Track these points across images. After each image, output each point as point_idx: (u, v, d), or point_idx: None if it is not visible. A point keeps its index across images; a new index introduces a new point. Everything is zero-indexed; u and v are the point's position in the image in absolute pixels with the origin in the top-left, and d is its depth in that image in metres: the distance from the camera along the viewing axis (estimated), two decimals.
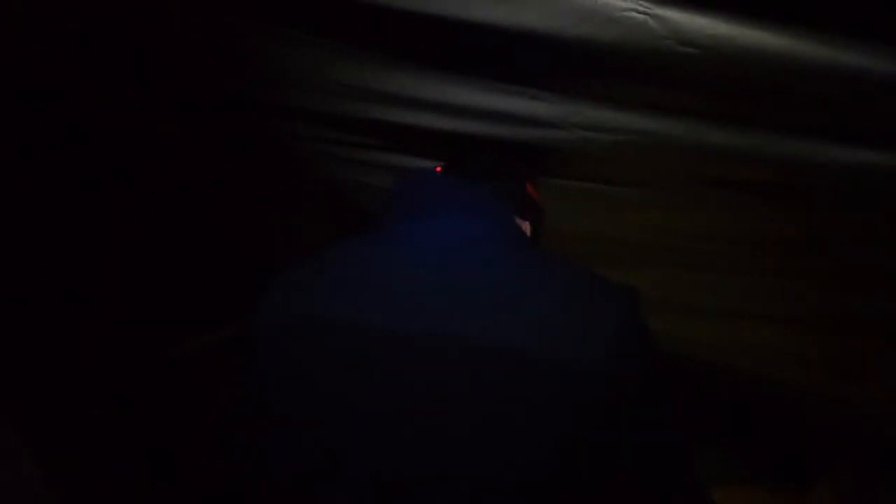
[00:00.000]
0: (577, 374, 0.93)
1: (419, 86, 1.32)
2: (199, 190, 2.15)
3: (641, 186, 1.45)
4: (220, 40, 1.37)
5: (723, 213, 1.51)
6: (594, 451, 0.93)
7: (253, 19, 1.29)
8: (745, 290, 1.76)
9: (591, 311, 0.97)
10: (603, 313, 0.97)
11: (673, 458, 1.02)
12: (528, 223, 1.25)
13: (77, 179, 2.09)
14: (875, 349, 1.91)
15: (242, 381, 1.05)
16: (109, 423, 2.12)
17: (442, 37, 1.18)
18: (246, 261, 2.27)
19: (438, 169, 1.28)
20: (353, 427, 0.95)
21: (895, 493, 2.33)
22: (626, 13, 1.06)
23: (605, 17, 1.08)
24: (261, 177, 1.96)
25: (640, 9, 1.06)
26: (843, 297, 1.73)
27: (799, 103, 1.14)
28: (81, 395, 2.09)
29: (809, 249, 1.55)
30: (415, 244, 1.07)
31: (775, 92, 1.12)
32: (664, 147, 1.29)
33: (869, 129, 1.18)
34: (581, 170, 1.44)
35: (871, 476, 2.37)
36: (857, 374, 2.02)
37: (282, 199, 2.04)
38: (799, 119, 1.19)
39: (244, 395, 1.04)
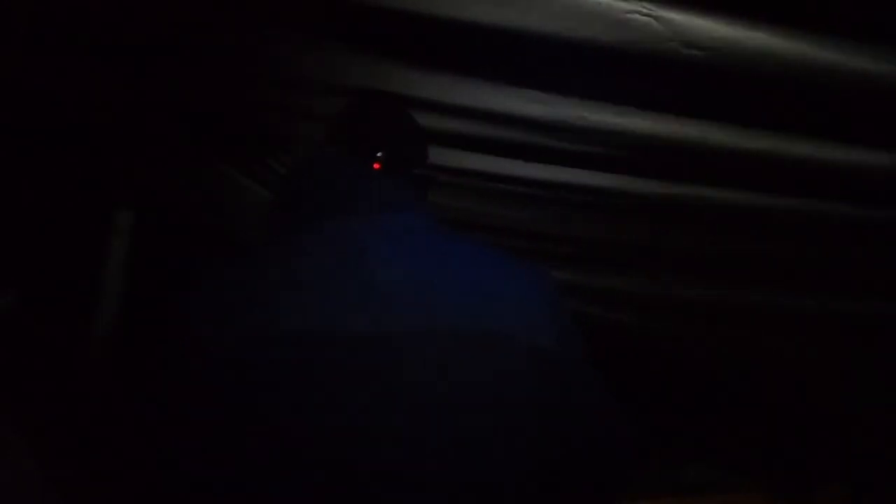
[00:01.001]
0: (539, 349, 0.99)
1: (423, 87, 1.32)
2: (197, 188, 2.15)
3: (643, 189, 1.45)
4: (220, 41, 1.37)
5: (723, 211, 1.51)
6: (551, 414, 0.99)
7: (254, 20, 1.28)
8: (749, 293, 1.76)
9: (528, 290, 1.03)
10: (538, 291, 1.04)
11: (608, 413, 1.08)
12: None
13: (76, 180, 2.08)
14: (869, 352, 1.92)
15: (185, 406, 0.99)
16: (108, 423, 2.12)
17: (446, 39, 1.18)
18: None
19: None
20: (348, 437, 0.93)
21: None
22: (629, 15, 1.06)
23: (609, 20, 1.07)
24: (259, 174, 1.96)
25: (644, 11, 1.06)
26: (845, 301, 1.74)
27: (803, 105, 1.14)
28: (81, 394, 2.09)
29: (812, 254, 1.55)
30: (351, 244, 1.04)
31: (780, 94, 1.12)
32: (667, 149, 1.29)
33: (872, 131, 1.18)
34: (585, 171, 1.44)
35: (872, 485, 2.37)
36: (856, 377, 2.02)
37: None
38: (803, 121, 1.19)
39: (189, 418, 0.99)
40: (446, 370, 0.95)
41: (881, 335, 1.88)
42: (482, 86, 1.28)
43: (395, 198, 1.10)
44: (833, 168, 1.22)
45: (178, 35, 1.38)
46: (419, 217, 1.10)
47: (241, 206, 2.14)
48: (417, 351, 0.96)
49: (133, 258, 2.26)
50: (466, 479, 0.93)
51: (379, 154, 1.15)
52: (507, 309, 1.00)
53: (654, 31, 1.06)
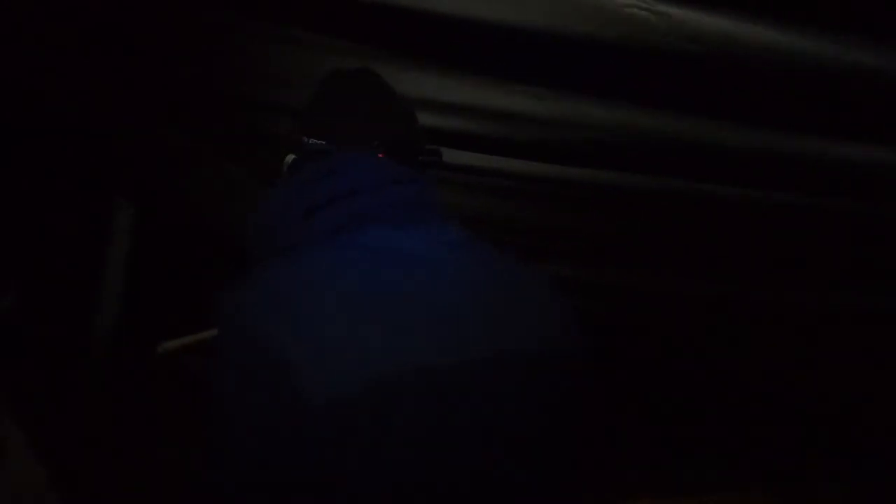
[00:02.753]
0: (574, 360, 0.97)
1: (422, 84, 1.32)
2: (195, 186, 2.15)
3: (644, 183, 1.45)
4: (214, 38, 1.37)
5: (723, 208, 1.52)
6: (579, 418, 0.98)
7: (248, 18, 1.29)
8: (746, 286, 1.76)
9: (553, 300, 1.01)
10: (562, 301, 1.01)
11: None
12: None
13: (75, 179, 2.08)
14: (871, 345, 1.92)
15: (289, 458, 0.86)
16: (110, 422, 2.12)
17: (444, 34, 1.19)
18: (241, 256, 2.27)
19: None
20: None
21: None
22: (628, 10, 1.07)
23: (608, 15, 1.08)
24: (258, 173, 1.96)
25: (643, 6, 1.06)
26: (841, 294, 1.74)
27: (802, 100, 1.15)
28: (82, 392, 2.09)
29: (811, 243, 1.55)
30: (401, 258, 0.97)
31: (778, 89, 1.13)
32: (665, 144, 1.29)
33: (871, 125, 1.18)
34: (584, 166, 1.44)
35: (873, 485, 2.37)
36: (855, 372, 2.02)
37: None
38: (800, 115, 1.19)
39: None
40: (524, 397, 0.93)
41: (883, 331, 1.88)
42: (477, 82, 1.28)
43: (425, 199, 1.06)
44: (834, 163, 1.23)
45: (178, 34, 1.38)
46: (455, 226, 1.05)
47: (242, 204, 2.14)
48: (491, 380, 0.91)
49: (133, 258, 2.26)
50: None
51: (377, 143, 1.09)
52: (560, 325, 0.99)
53: (653, 26, 1.07)
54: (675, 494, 2.41)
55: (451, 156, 1.52)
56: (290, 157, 1.12)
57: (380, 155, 1.08)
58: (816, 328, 1.92)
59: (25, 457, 1.72)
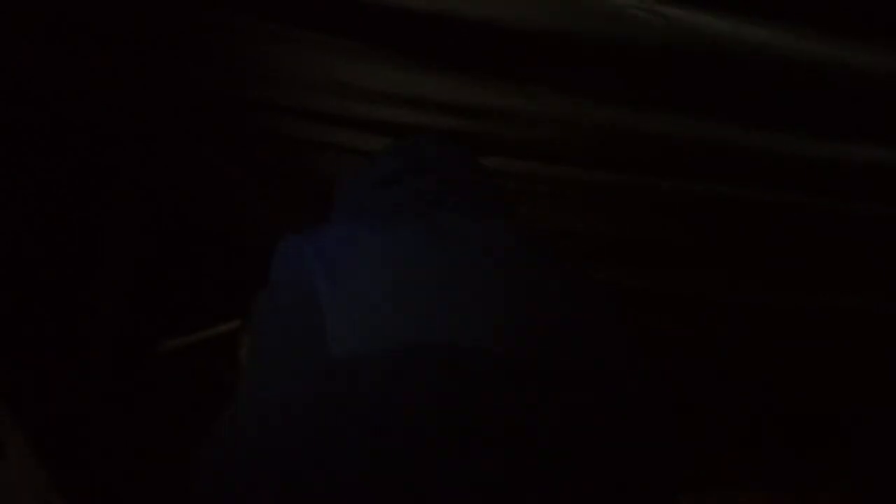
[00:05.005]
0: (628, 385, 0.92)
1: (419, 83, 1.32)
2: (195, 184, 2.15)
3: (637, 181, 1.45)
4: (211, 36, 1.36)
5: (719, 207, 1.52)
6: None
7: (243, 15, 1.29)
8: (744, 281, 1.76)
9: (616, 321, 0.96)
10: (620, 316, 0.97)
11: None
12: None
13: (68, 174, 2.08)
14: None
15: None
16: (109, 420, 2.12)
17: (438, 33, 1.18)
18: (240, 255, 2.27)
19: None
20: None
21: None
22: (626, 9, 1.07)
23: (606, 14, 1.08)
24: (256, 173, 1.96)
25: (641, 5, 1.06)
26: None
27: (802, 100, 1.14)
28: (81, 391, 2.09)
29: (811, 249, 1.56)
30: (460, 246, 0.94)
31: (779, 89, 1.12)
32: (664, 143, 1.29)
33: (870, 126, 1.18)
34: (580, 164, 1.44)
35: (874, 483, 2.37)
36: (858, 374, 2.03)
37: (277, 194, 2.04)
38: (802, 115, 1.19)
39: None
40: (559, 411, 0.87)
41: (883, 332, 1.88)
42: (474, 81, 1.28)
43: (493, 190, 1.06)
44: (837, 163, 1.22)
45: (176, 32, 1.38)
46: (521, 224, 1.05)
47: (241, 203, 2.15)
48: (526, 384, 0.86)
49: (133, 258, 2.26)
50: None
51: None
52: (617, 347, 0.94)
53: (651, 26, 1.07)
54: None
55: None
56: None
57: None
58: (818, 326, 1.92)
59: (26, 458, 1.72)
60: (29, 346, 1.94)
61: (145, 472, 2.09)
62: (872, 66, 1.05)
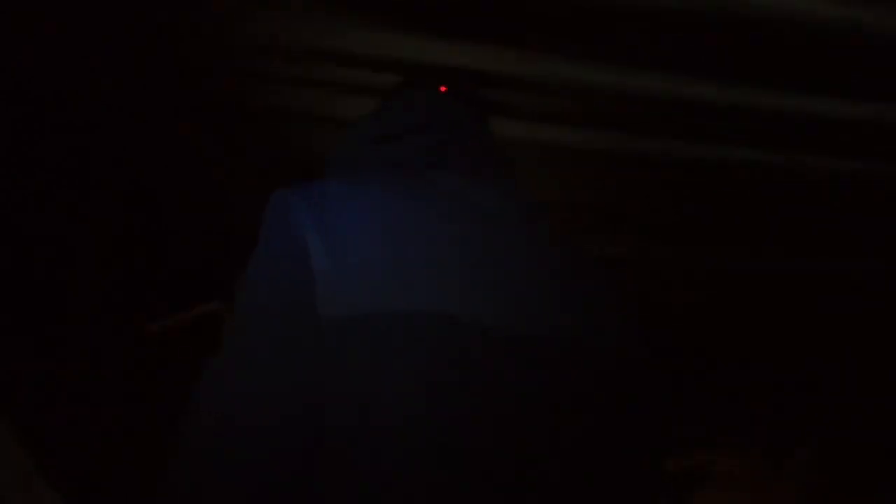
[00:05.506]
0: (630, 362, 0.93)
1: (416, 48, 1.29)
2: (175, 166, 2.11)
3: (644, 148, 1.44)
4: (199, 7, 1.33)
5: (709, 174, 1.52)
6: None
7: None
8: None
9: (615, 299, 0.96)
10: (619, 295, 0.97)
11: None
12: None
13: (72, 177, 2.04)
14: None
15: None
16: (100, 409, 2.09)
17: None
18: (223, 236, 2.25)
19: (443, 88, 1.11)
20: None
21: (874, 461, 2.38)
22: None
23: None
24: (237, 150, 1.93)
25: None
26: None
27: (814, 60, 1.14)
28: (62, 375, 2.06)
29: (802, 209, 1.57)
30: (458, 210, 0.92)
31: (791, 49, 1.11)
32: (652, 103, 1.28)
33: (868, 83, 1.18)
34: (562, 127, 1.42)
35: (850, 443, 2.42)
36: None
37: (259, 172, 2.01)
38: (793, 73, 1.19)
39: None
40: (550, 388, 0.86)
41: (858, 294, 1.92)
42: (480, 47, 1.25)
43: (495, 151, 1.03)
44: (842, 123, 1.22)
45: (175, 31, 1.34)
46: (524, 190, 1.01)
47: (238, 196, 2.11)
48: (522, 358, 0.85)
49: (126, 255, 2.23)
50: None
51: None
52: (617, 328, 0.94)
53: None
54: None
55: None
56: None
57: (441, 89, 1.06)
58: (793, 291, 1.95)
59: (7, 442, 1.70)
60: (6, 332, 1.90)
61: (130, 455, 2.07)
62: (875, 25, 1.05)
